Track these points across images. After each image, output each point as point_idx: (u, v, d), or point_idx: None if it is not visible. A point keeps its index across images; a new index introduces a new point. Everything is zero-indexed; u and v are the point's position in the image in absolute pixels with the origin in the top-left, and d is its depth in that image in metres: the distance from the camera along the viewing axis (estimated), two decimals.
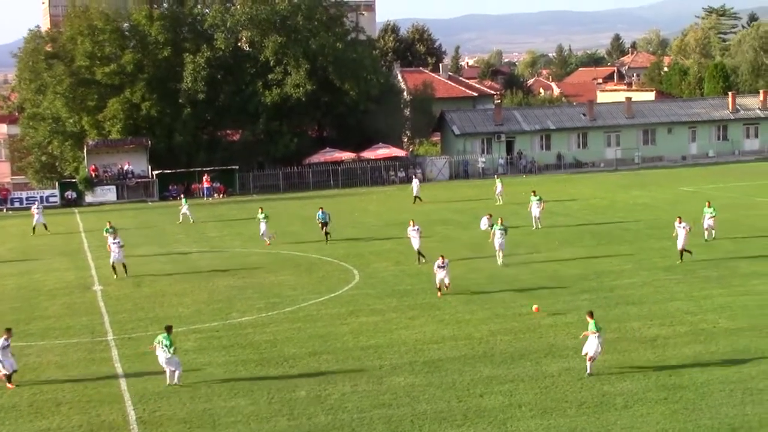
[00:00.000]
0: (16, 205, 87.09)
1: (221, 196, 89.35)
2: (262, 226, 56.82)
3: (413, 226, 48.81)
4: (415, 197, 76.35)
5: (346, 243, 56.30)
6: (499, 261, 46.20)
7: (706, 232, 50.85)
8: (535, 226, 57.68)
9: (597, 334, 28.23)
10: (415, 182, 78.81)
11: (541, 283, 41.89)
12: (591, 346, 28.22)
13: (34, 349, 34.06)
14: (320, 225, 57.14)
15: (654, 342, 31.61)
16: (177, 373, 28.90)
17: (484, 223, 59.73)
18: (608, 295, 38.90)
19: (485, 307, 37.52)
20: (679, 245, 45.10)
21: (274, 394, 27.79)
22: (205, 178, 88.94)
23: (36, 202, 74.47)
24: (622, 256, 46.59)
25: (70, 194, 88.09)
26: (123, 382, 29.61)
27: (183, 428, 25.24)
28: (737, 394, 26.06)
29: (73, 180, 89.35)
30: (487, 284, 41.92)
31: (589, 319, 28.79)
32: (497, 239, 46.47)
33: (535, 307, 28.60)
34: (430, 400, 26.76)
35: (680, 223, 45.30)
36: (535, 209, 58.45)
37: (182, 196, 79.06)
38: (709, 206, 51.52)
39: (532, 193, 59.55)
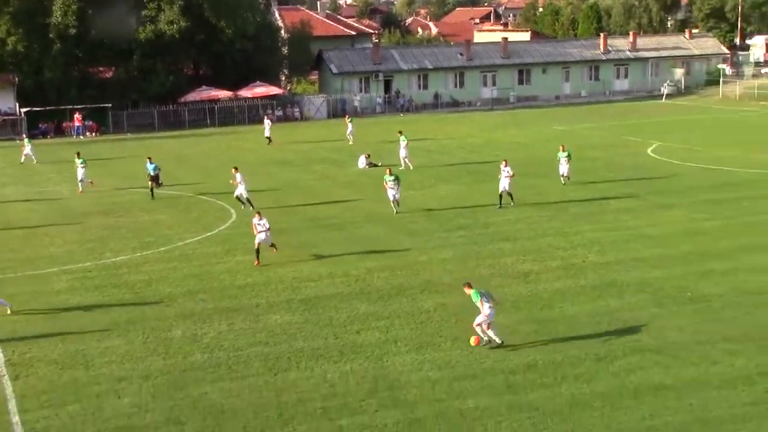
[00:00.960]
0: None
1: (94, 134, 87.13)
2: (80, 172, 53.19)
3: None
4: (267, 138, 74.64)
5: (223, 183, 55.66)
6: (395, 210, 44.06)
7: (562, 178, 49.63)
8: (404, 166, 57.63)
9: (483, 301, 25.19)
10: (267, 122, 76.18)
11: (416, 219, 42.32)
12: (482, 313, 25.27)
13: None
14: (149, 178, 50.82)
15: (527, 277, 32.34)
16: None
17: (361, 161, 59.93)
18: (483, 231, 39.57)
19: (361, 244, 37.74)
20: (501, 188, 44.52)
21: (149, 334, 27.47)
22: (76, 116, 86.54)
23: None
24: (497, 193, 47.41)
25: None
26: None
27: (54, 369, 24.76)
28: (603, 325, 26.94)
29: None
30: (364, 222, 42.14)
31: (467, 290, 25.58)
32: (390, 191, 44.21)
33: (474, 339, 25.29)
34: (307, 337, 26.86)
35: (505, 166, 44.33)
36: (402, 150, 58.24)
37: (25, 136, 76.06)
38: (564, 150, 49.51)
39: (399, 133, 59.62)
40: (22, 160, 67.10)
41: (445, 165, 59.44)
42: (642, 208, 43.25)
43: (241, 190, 46.04)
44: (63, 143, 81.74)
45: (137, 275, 34.35)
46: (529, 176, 52.14)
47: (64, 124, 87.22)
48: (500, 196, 44.57)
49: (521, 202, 44.89)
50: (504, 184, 44.49)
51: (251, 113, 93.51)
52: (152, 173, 50.33)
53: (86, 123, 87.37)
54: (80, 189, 52.92)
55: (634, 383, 22.64)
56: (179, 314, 29.42)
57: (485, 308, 25.05)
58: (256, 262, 34.95)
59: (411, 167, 57.41)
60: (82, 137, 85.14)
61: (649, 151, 62.70)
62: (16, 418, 21.43)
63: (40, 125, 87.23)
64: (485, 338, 25.37)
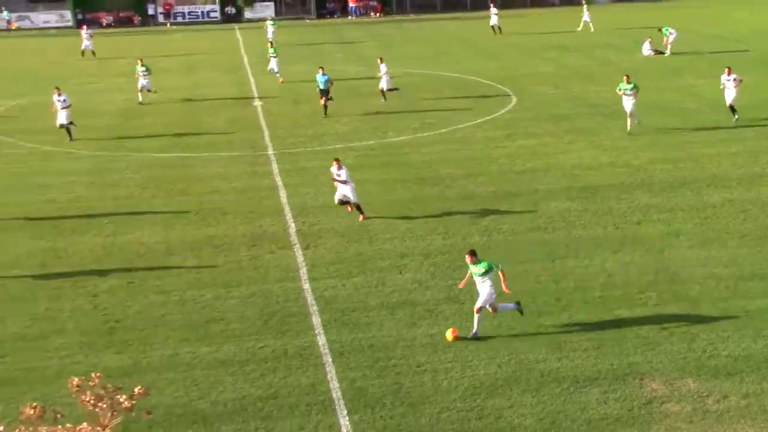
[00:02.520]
0: (179, 19, 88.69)
1: (378, 14, 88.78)
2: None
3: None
4: (496, 27, 70.78)
5: (501, 65, 55.46)
6: (628, 127, 37.32)
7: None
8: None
9: (484, 279, 19.71)
10: (493, 11, 72.15)
11: (702, 109, 40.49)
12: (482, 294, 19.79)
13: (199, 160, 35.26)
14: (319, 93, 42.68)
15: None
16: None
17: (646, 48, 57.92)
18: None
19: (644, 135, 36.61)
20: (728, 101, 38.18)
21: (429, 213, 28.12)
22: None
23: (85, 27, 71.92)
24: None
25: (230, 10, 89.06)
26: (283, 195, 30.46)
27: (341, 241, 25.94)
28: None
29: None
30: (647, 112, 40.75)
31: (469, 260, 20.00)
32: (626, 102, 37.14)
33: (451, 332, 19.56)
34: (586, 225, 26.61)
35: (728, 75, 37.88)
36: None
37: (271, 17, 77.80)
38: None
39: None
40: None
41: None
42: None
43: (383, 83, 45.01)
44: (348, 23, 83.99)
45: (418, 155, 35.08)
46: None
47: (348, 4, 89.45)
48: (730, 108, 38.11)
49: None
50: (730, 96, 37.98)
51: None
52: (322, 86, 42.13)
53: (371, 3, 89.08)
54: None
55: None
56: (458, 195, 29.88)
57: (489, 287, 19.65)
58: (360, 217, 27.80)
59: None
60: (354, 18, 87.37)
61: None
62: (306, 285, 22.71)
63: (327, 4, 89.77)
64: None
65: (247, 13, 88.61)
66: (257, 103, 46.37)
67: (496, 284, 19.78)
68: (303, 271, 23.72)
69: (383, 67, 45.01)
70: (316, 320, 20.64)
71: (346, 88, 49.42)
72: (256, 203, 29.60)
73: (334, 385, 17.79)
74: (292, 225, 27.45)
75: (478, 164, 33.57)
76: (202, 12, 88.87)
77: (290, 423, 16.54)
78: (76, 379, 3.59)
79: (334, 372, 18.29)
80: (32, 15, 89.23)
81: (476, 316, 19.70)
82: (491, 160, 34.07)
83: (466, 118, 41.21)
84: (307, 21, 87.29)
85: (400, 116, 42.09)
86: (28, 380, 18.21)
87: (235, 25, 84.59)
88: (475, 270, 19.85)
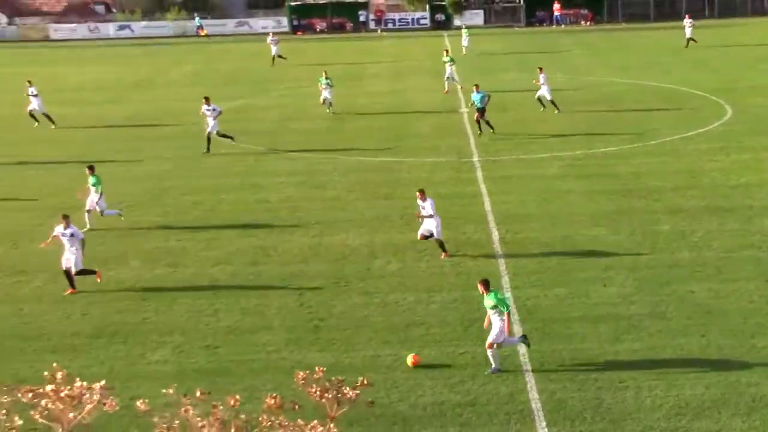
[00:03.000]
0: (389, 26, 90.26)
1: (588, 23, 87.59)
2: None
3: None
4: (689, 39, 66.36)
5: (715, 76, 53.56)
6: None
7: None
8: None
9: (494, 313, 18.77)
10: (687, 23, 68.20)
11: None
12: (494, 328, 18.77)
13: (405, 165, 35.74)
14: (475, 111, 40.55)
15: None
16: None
17: None
18: None
19: None
20: None
21: (636, 227, 27.44)
22: (555, 5, 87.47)
23: (270, 33, 73.37)
24: None
25: (440, 17, 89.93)
26: (487, 203, 30.46)
27: (544, 251, 25.66)
28: None
29: (443, 3, 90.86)
30: None
31: (481, 290, 19.14)
32: None
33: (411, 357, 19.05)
34: None
35: None
36: None
37: (464, 25, 77.13)
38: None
39: None
40: (464, 53, 68.19)
41: None
42: None
43: (542, 92, 44.20)
44: (557, 31, 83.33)
45: (625, 167, 34.33)
46: None
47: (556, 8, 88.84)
48: None
49: None
50: None
51: (755, 4, 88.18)
52: (479, 104, 40.12)
53: (581, 11, 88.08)
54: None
55: None
56: (667, 209, 29.04)
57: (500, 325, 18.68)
58: (442, 255, 25.53)
59: None
60: (563, 26, 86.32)
61: None
62: (508, 294, 22.61)
63: (536, 13, 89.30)
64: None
65: (457, 21, 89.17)
66: (463, 110, 46.56)
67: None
68: (505, 280, 23.65)
69: (542, 77, 44.46)
70: (517, 329, 20.52)
71: (556, 97, 48.94)
72: (459, 209, 29.73)
73: (534, 395, 17.64)
74: (495, 233, 27.41)
75: (689, 177, 32.52)
76: (413, 19, 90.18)
77: (488, 431, 16.52)
78: (302, 373, 3.74)
79: (533, 382, 18.14)
80: (251, 21, 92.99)
81: (489, 352, 18.66)
82: (703, 174, 32.94)
83: (677, 130, 40.00)
84: (516, 29, 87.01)
85: (607, 126, 41.31)
86: (238, 372, 18.95)
87: (444, 32, 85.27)
88: (486, 302, 18.91)
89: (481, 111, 39.89)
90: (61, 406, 4.09)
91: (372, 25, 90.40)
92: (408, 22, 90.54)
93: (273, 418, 3.63)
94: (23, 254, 26.64)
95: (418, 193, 25.90)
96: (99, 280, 23.97)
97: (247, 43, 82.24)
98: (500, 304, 18.69)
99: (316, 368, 3.83)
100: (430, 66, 63.04)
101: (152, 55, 76.60)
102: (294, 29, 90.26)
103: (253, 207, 30.86)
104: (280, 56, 65.50)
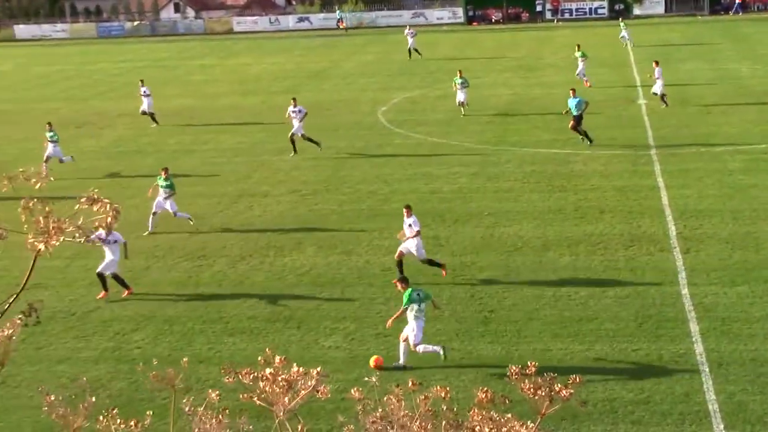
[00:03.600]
0: (566, 15, 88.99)
1: None
2: (581, 64, 49.55)
3: None
4: None
5: None
6: None
7: None
8: None
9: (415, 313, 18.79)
10: None
11: None
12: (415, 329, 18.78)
13: (580, 157, 35.15)
14: (571, 118, 37.08)
15: None
16: None
17: None
18: None
19: None
20: None
21: None
22: None
23: (408, 26, 71.94)
24: None
25: (619, 6, 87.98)
26: (664, 197, 29.62)
27: (724, 247, 24.77)
28: None
29: None
30: None
31: (402, 288, 19.22)
32: None
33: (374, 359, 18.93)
34: None
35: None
36: None
37: (621, 18, 73.91)
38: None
39: None
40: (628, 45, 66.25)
41: None
42: None
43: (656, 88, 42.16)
44: (744, 19, 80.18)
45: None
46: None
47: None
48: None
49: None
50: None
51: None
52: (575, 111, 36.65)
53: None
54: (587, 83, 49.00)
55: None
56: None
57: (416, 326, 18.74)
58: (443, 273, 23.77)
59: None
60: (748, 13, 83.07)
61: None
62: (685, 291, 21.95)
63: (721, 1, 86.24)
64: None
65: (636, 10, 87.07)
66: (641, 101, 45.42)
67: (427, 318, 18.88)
68: (682, 276, 22.94)
69: (658, 71, 42.81)
70: (693, 327, 19.90)
71: (737, 88, 47.15)
72: (635, 203, 29.03)
73: (711, 396, 17.05)
74: (673, 227, 26.62)
75: None
76: (590, 8, 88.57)
77: (662, 430, 16.08)
78: (515, 367, 3.76)
79: (711, 383, 17.53)
80: (426, 12, 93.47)
81: (401, 345, 18.82)
82: None
83: None
84: (699, 18, 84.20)
85: None
86: (408, 361, 19.06)
87: (621, 22, 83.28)
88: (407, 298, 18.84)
89: (577, 119, 36.53)
90: (277, 390, 4.20)
91: (548, 15, 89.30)
92: (585, 12, 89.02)
93: (484, 413, 3.65)
94: (203, 239, 27.61)
95: (405, 210, 23.62)
96: (99, 296, 23.04)
97: (421, 35, 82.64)
98: (411, 300, 18.63)
99: (529, 363, 3.83)
100: (608, 56, 61.77)
101: (329, 47, 78.02)
102: (469, 20, 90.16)
103: (426, 197, 31.01)
104: (416, 50, 65.06)
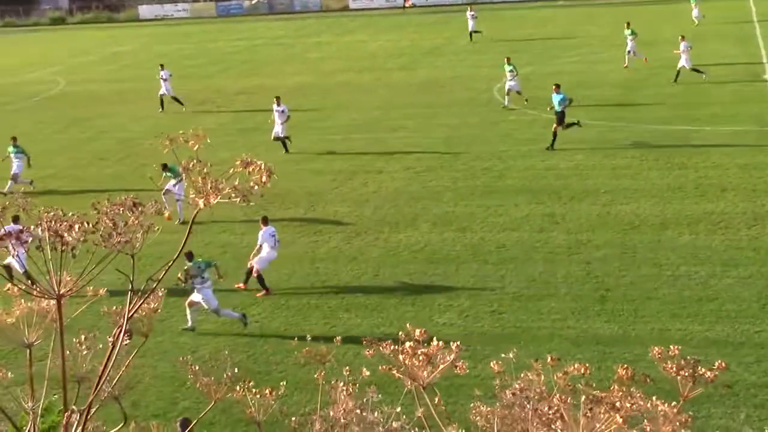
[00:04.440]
0: None
1: None
2: (630, 42, 48.07)
3: None
4: None
5: None
6: None
7: None
8: None
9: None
10: None
11: None
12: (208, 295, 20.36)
13: (701, 134, 34.27)
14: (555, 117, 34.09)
15: None
16: None
17: None
18: None
19: None
20: None
21: None
22: None
23: (470, 7, 68.33)
24: None
25: None
26: None
27: None
28: None
29: None
30: None
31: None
32: None
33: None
34: None
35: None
36: None
37: None
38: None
39: None
40: (695, 23, 63.59)
41: None
42: None
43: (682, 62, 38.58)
44: None
45: None
46: None
47: None
48: None
49: None
50: None
51: None
52: (557, 108, 33.76)
53: None
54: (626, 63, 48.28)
55: None
56: None
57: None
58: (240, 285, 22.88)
59: None
60: None
61: None
62: None
63: None
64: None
65: None
66: (767, 76, 44.00)
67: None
68: None
69: (683, 45, 42.06)
70: None
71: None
72: (759, 180, 28.21)
73: None
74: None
75: None
76: None
77: None
78: (657, 348, 3.72)
79: None
80: None
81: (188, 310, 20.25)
82: None
83: None
84: None
85: None
86: (523, 338, 19.01)
87: None
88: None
89: (560, 116, 33.47)
90: (417, 364, 4.29)
91: None
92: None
93: (624, 389, 3.63)
94: (320, 215, 27.93)
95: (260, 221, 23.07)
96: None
97: (536, 10, 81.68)
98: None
99: (671, 346, 3.79)
100: (733, 30, 59.94)
101: (444, 23, 77.71)
102: None
103: (541, 174, 30.71)
104: (476, 31, 63.77)
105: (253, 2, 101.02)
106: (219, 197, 3.93)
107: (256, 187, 3.98)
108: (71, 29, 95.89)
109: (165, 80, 45.20)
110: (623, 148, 33.14)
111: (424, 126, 38.29)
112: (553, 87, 34.64)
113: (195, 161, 3.99)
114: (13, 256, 16.80)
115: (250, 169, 3.98)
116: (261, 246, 22.50)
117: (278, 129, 35.49)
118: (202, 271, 19.95)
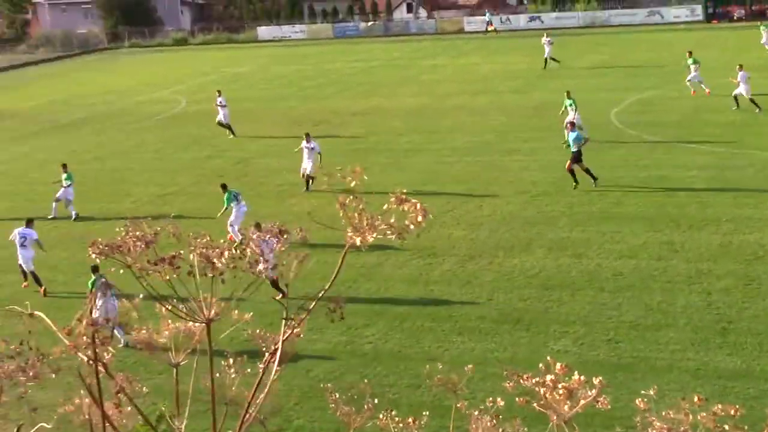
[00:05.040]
0: None
1: None
2: (693, 71, 47.45)
3: None
4: None
5: None
6: None
7: None
8: None
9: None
10: None
11: None
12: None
13: None
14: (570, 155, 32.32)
15: None
16: None
17: None
18: None
19: None
20: None
21: None
22: None
23: (545, 34, 67.07)
24: None
25: None
26: None
27: None
28: None
29: None
30: None
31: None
32: None
33: None
34: None
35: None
36: None
37: (761, 21, 67.72)
38: None
39: None
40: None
41: None
42: None
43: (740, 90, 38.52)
44: None
45: None
46: None
47: None
48: None
49: None
50: None
51: None
52: (573, 148, 31.83)
53: None
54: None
55: None
56: None
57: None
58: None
59: None
60: None
61: None
62: None
63: None
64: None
65: None
66: None
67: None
68: None
69: (741, 75, 40.98)
70: None
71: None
72: None
73: None
74: None
75: None
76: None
77: None
78: None
79: None
80: (663, 10, 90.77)
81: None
82: None
83: None
84: None
85: None
86: (640, 368, 18.63)
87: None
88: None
89: (576, 155, 31.68)
90: (557, 397, 4.26)
91: None
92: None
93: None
94: (434, 238, 27.92)
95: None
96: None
97: (656, 33, 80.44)
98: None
99: None
100: None
101: (561, 46, 77.02)
102: (708, 18, 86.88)
103: (659, 201, 30.13)
104: (552, 59, 62.29)
105: (369, 24, 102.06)
106: (375, 234, 3.98)
107: (412, 227, 4.00)
108: (193, 50, 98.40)
109: (224, 106, 45.28)
110: (745, 175, 32.28)
111: (538, 149, 37.99)
112: (567, 125, 33.99)
113: (351, 198, 4.04)
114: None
115: (405, 208, 4.02)
116: None
117: (306, 165, 34.18)
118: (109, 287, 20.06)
